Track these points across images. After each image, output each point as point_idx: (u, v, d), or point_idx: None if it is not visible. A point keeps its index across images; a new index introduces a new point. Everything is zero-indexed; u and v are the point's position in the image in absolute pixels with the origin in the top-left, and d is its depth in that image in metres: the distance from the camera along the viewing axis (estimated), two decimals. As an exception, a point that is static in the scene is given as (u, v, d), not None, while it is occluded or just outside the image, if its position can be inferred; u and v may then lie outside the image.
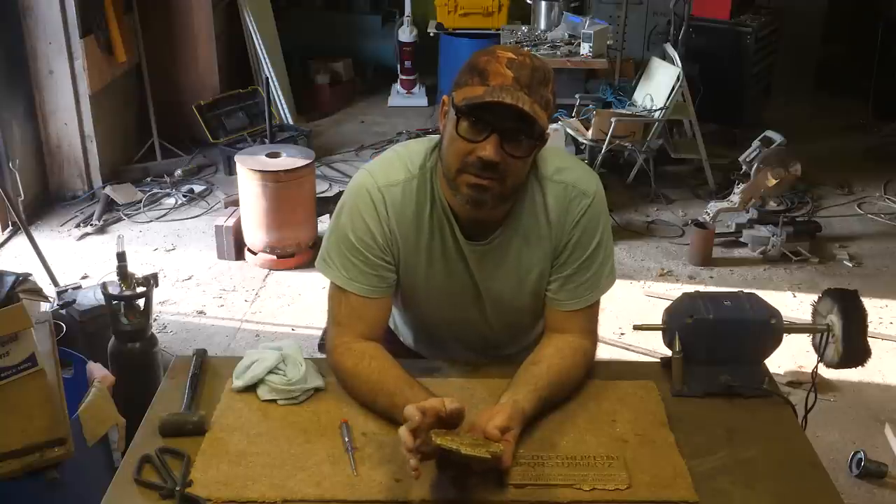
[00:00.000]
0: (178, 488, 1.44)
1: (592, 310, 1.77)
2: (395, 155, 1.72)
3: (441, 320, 1.83)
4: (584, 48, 5.10)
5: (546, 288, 1.75)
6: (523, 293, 1.76)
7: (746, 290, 1.83)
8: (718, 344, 1.73)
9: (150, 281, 2.91)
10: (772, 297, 2.00)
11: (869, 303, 1.78)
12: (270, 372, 1.68)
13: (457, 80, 1.56)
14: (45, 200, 4.94)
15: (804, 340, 1.89)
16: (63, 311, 3.16)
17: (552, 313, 1.76)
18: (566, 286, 1.73)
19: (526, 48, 5.17)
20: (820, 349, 1.79)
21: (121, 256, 2.88)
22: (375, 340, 1.72)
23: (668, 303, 1.82)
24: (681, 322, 1.74)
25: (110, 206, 4.93)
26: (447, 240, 1.69)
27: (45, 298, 2.60)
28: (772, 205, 4.63)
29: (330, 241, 1.72)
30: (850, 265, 4.51)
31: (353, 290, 1.69)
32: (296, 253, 4.36)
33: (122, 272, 2.87)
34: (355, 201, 1.69)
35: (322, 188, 5.13)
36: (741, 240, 4.66)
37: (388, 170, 1.69)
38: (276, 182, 4.19)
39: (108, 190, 4.96)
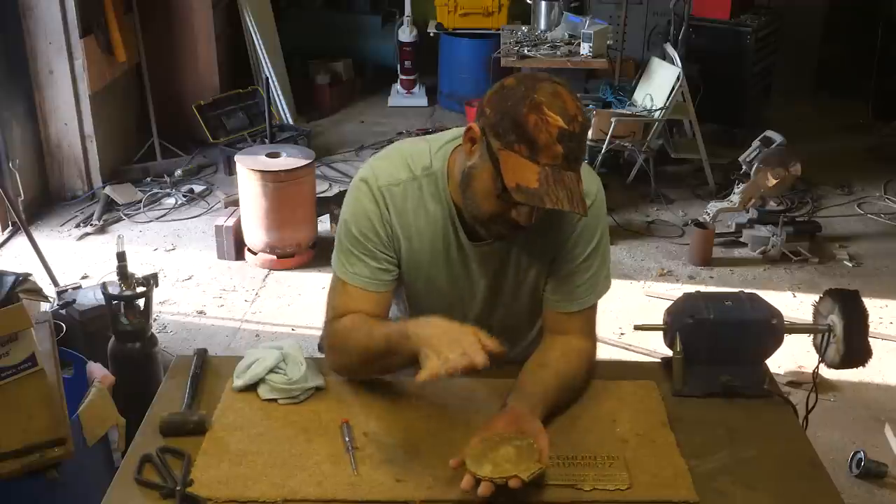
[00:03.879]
0: (178, 488, 1.44)
1: (591, 312, 1.77)
2: (398, 153, 1.72)
3: None
4: (584, 48, 5.10)
5: (543, 288, 1.75)
6: (522, 293, 1.77)
7: (747, 290, 1.83)
8: (719, 344, 1.72)
9: (150, 281, 2.91)
10: (772, 297, 2.00)
11: (869, 303, 1.78)
12: (271, 371, 1.68)
13: (494, 124, 1.48)
14: (45, 200, 4.94)
15: (804, 340, 1.89)
16: (63, 311, 3.16)
17: (551, 315, 1.76)
18: (563, 287, 1.73)
19: (526, 49, 5.23)
20: (821, 349, 1.79)
21: (121, 256, 2.88)
22: None
23: (669, 303, 1.82)
24: (681, 322, 1.74)
25: (110, 206, 4.93)
26: (450, 240, 1.69)
27: (45, 298, 2.61)
28: (772, 205, 4.63)
29: (337, 236, 1.74)
30: (850, 265, 4.51)
31: (356, 284, 1.69)
32: (296, 253, 4.36)
33: (122, 272, 2.87)
34: (357, 196, 1.69)
35: (322, 188, 5.13)
36: (741, 240, 4.66)
37: (389, 168, 1.69)
38: (276, 182, 4.19)
39: (108, 190, 4.96)
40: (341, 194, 4.89)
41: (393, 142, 5.89)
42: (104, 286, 2.91)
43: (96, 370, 2.45)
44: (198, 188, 5.21)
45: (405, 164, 1.68)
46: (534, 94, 1.45)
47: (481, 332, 1.48)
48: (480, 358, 1.41)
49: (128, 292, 2.87)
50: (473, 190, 1.56)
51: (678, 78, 4.93)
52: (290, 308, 4.02)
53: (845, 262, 4.54)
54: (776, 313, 1.75)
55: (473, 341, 1.44)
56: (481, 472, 1.39)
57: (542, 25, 5.64)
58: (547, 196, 1.44)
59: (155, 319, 3.63)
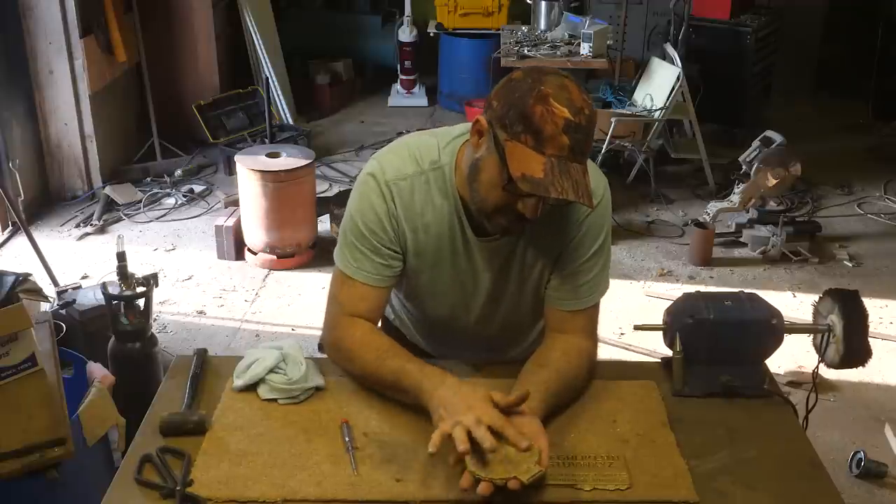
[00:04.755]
0: (178, 488, 1.44)
1: (593, 311, 1.77)
2: (406, 147, 1.71)
3: (440, 313, 1.84)
4: (584, 48, 5.10)
5: (545, 285, 1.75)
6: (526, 291, 1.77)
7: (747, 290, 1.83)
8: (719, 344, 1.72)
9: (150, 281, 2.92)
10: (772, 297, 2.00)
11: (869, 303, 1.78)
12: (271, 371, 1.68)
13: (501, 116, 1.48)
14: (45, 200, 4.95)
15: (804, 340, 1.89)
16: (63, 311, 3.16)
17: (553, 312, 1.76)
18: (566, 285, 1.73)
19: (526, 49, 5.23)
20: (821, 349, 1.79)
21: (121, 256, 2.88)
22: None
23: (668, 303, 1.82)
24: (681, 322, 1.73)
25: (110, 206, 4.93)
26: (456, 234, 1.69)
27: (45, 298, 2.61)
28: (772, 205, 4.63)
29: (342, 230, 1.74)
30: (850, 265, 4.51)
31: (360, 279, 1.70)
32: (296, 253, 4.36)
33: (122, 272, 2.87)
34: (364, 191, 1.69)
35: (322, 188, 5.14)
36: (741, 240, 4.67)
37: (396, 163, 1.68)
38: (276, 182, 4.19)
39: (108, 190, 4.96)
40: (341, 194, 4.91)
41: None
42: (104, 286, 2.91)
43: (96, 370, 2.45)
44: (198, 188, 5.21)
45: (412, 157, 1.68)
46: (540, 86, 1.46)
47: (497, 394, 1.50)
48: (496, 420, 1.43)
49: (128, 292, 2.87)
50: (480, 182, 1.56)
51: (678, 78, 4.93)
52: (290, 308, 4.02)
53: (845, 262, 4.54)
54: (776, 313, 1.74)
55: (487, 406, 1.46)
56: (481, 471, 1.39)
57: (542, 25, 5.64)
58: (552, 186, 1.44)
59: (155, 319, 3.63)
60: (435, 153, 1.68)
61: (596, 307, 1.77)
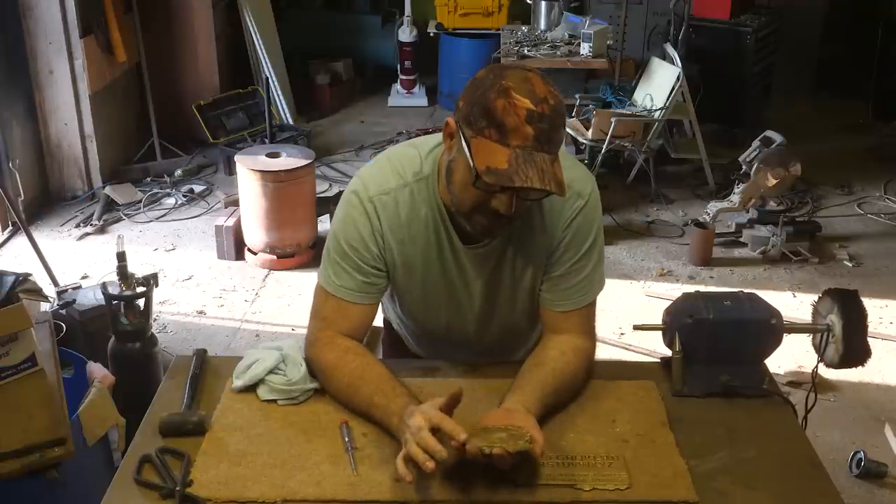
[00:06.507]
0: (178, 488, 1.44)
1: (590, 310, 1.77)
2: (387, 161, 1.71)
3: (437, 325, 1.83)
4: (584, 48, 5.10)
5: (539, 288, 1.75)
6: (519, 295, 1.77)
7: (746, 290, 1.83)
8: (718, 344, 1.72)
9: (150, 281, 2.92)
10: (772, 297, 2.00)
11: (869, 303, 1.78)
12: (270, 372, 1.68)
13: (466, 114, 1.48)
14: (45, 200, 4.95)
15: (804, 340, 1.89)
16: (63, 311, 3.16)
17: (548, 314, 1.76)
18: (558, 286, 1.73)
19: (526, 49, 5.23)
20: (820, 349, 1.79)
21: (121, 256, 2.88)
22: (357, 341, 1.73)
23: (668, 303, 1.82)
24: (681, 322, 1.74)
25: (110, 206, 4.93)
26: (443, 244, 1.69)
27: (45, 298, 2.61)
28: (772, 205, 4.63)
29: (326, 248, 1.73)
30: (850, 265, 4.51)
31: (341, 296, 1.69)
32: (296, 253, 4.36)
33: (122, 272, 2.87)
34: (348, 210, 1.69)
35: (322, 188, 5.14)
36: (741, 240, 4.67)
37: (378, 178, 1.68)
38: (276, 182, 4.20)
39: (108, 190, 4.96)
40: (341, 194, 4.91)
41: (393, 142, 5.89)
42: (104, 286, 2.91)
43: (96, 370, 2.45)
44: (198, 188, 5.21)
45: (395, 171, 1.68)
46: (502, 81, 1.46)
47: (438, 400, 1.49)
48: (433, 416, 1.43)
49: (128, 292, 2.87)
50: (454, 183, 1.56)
51: (678, 78, 4.93)
52: (290, 308, 4.02)
53: (845, 262, 4.54)
54: (775, 313, 1.74)
55: (428, 409, 1.46)
56: (472, 439, 1.40)
57: (542, 25, 5.65)
58: (516, 175, 1.43)
59: (155, 319, 3.63)
60: (417, 164, 1.67)
61: (592, 305, 1.76)
